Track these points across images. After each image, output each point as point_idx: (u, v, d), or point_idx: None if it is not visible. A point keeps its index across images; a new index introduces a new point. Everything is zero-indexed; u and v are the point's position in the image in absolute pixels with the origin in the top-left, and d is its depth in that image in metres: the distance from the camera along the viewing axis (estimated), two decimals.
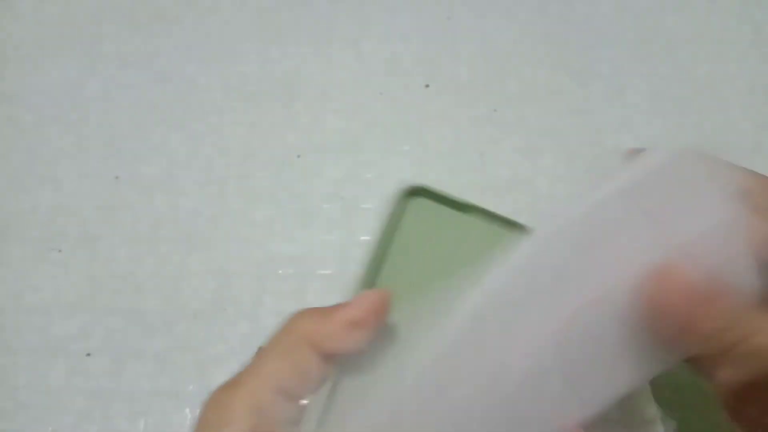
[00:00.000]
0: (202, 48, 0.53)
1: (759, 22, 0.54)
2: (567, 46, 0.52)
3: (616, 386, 0.19)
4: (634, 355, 0.19)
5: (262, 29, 0.54)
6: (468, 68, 0.51)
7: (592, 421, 0.19)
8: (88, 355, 0.41)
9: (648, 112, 0.50)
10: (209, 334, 0.42)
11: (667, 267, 0.19)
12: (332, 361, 0.21)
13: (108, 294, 0.43)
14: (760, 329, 0.18)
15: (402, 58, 0.51)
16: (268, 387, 0.21)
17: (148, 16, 0.55)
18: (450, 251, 0.25)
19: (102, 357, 0.41)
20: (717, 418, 0.19)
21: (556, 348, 0.19)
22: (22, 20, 0.55)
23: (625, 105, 0.50)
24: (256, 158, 0.48)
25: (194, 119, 0.50)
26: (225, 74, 0.52)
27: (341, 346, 0.21)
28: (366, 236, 0.44)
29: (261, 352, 0.21)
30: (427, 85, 0.50)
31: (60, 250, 0.45)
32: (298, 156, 0.48)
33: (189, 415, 0.39)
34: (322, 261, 0.44)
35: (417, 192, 0.26)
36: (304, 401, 0.21)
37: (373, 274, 0.25)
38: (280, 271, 0.44)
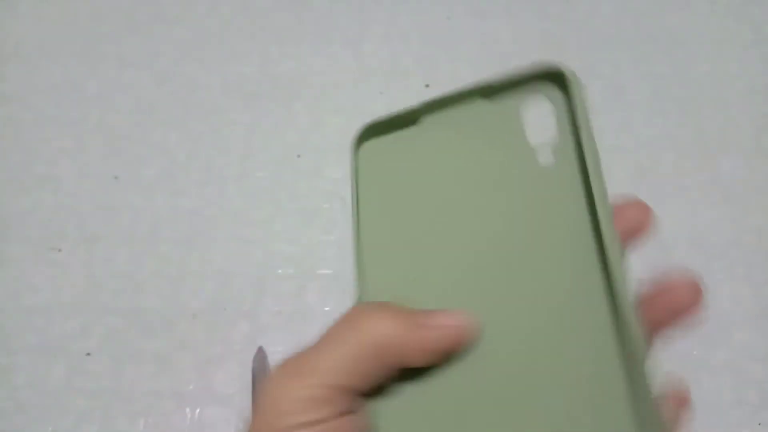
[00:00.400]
0: (202, 48, 0.53)
1: (759, 22, 0.54)
2: (567, 46, 0.52)
3: None
4: None
5: (262, 29, 0.54)
6: (468, 68, 0.51)
7: None
8: (88, 355, 0.41)
9: (648, 112, 0.50)
10: (209, 334, 0.42)
11: None
12: (401, 369, 0.20)
13: (108, 294, 0.43)
14: None
15: (402, 58, 0.51)
16: (327, 383, 0.20)
17: (148, 16, 0.55)
18: (424, 179, 0.21)
19: (102, 357, 0.41)
20: None
21: None
22: (22, 20, 0.55)
23: (625, 105, 0.50)
24: (256, 158, 0.48)
25: (194, 119, 0.50)
26: (225, 74, 0.52)
27: (426, 362, 0.19)
28: None
29: (324, 339, 0.20)
30: (427, 85, 0.50)
31: (60, 250, 0.45)
32: (298, 156, 0.48)
33: (189, 415, 0.39)
34: (322, 261, 0.44)
35: (364, 136, 0.22)
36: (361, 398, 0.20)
37: (358, 243, 0.21)
38: (280, 271, 0.44)
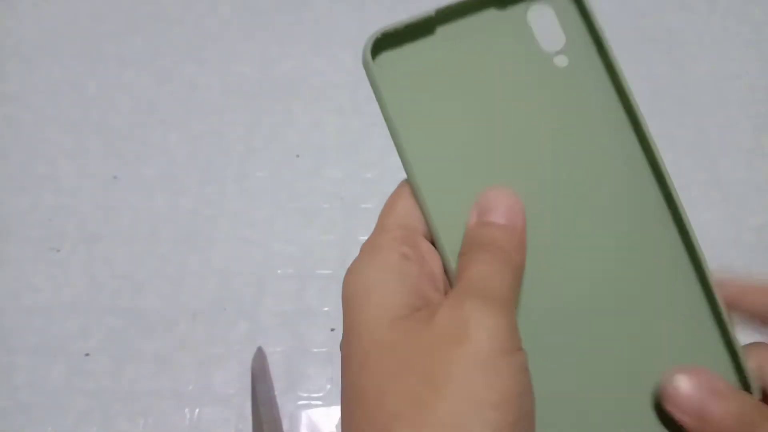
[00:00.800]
0: (202, 48, 0.53)
1: (759, 22, 0.54)
2: None
3: None
4: None
5: (262, 29, 0.54)
6: None
7: None
8: (88, 355, 0.41)
9: (648, 112, 0.50)
10: (209, 334, 0.41)
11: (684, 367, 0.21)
12: None
13: (108, 294, 0.43)
14: None
15: None
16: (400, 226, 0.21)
17: (148, 16, 0.55)
18: (451, 89, 0.21)
19: (102, 357, 0.41)
20: None
21: None
22: (22, 20, 0.55)
23: None
24: (256, 158, 0.48)
25: (194, 119, 0.50)
26: (225, 74, 0.52)
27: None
28: (366, 236, 0.44)
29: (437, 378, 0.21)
30: None
31: (59, 250, 0.45)
32: (298, 156, 0.48)
33: (188, 415, 0.39)
34: (322, 261, 0.44)
35: (377, 47, 0.21)
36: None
37: (408, 160, 0.21)
38: (280, 271, 0.44)
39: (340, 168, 0.47)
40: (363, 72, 0.22)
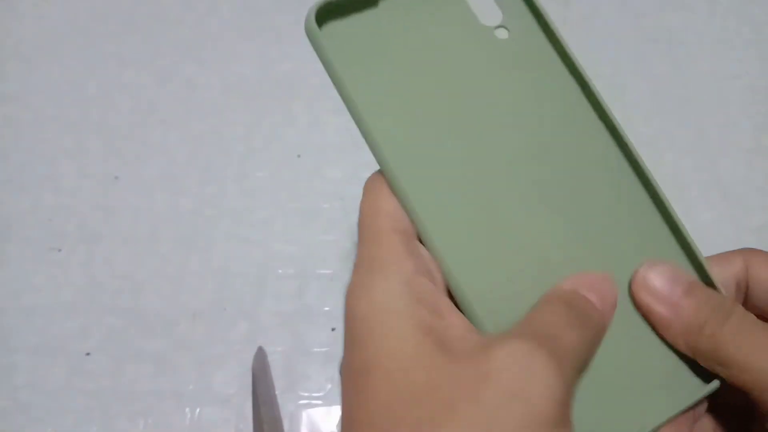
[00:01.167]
0: (202, 48, 0.53)
1: (759, 22, 0.54)
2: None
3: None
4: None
5: (262, 29, 0.54)
6: None
7: None
8: (88, 355, 0.41)
9: (648, 112, 0.50)
10: (209, 334, 0.42)
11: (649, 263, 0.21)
12: None
13: (108, 294, 0.43)
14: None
15: None
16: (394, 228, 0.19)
17: (148, 16, 0.55)
18: (402, 62, 0.21)
19: (102, 357, 0.41)
20: None
21: None
22: (22, 20, 0.55)
23: (625, 105, 0.50)
24: (256, 158, 0.48)
25: (194, 119, 0.50)
26: (225, 74, 0.52)
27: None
28: None
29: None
30: None
31: (60, 250, 0.45)
32: (298, 156, 0.48)
33: (188, 415, 0.39)
34: (322, 261, 0.44)
35: (320, 17, 0.21)
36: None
37: (365, 128, 0.21)
38: (280, 271, 0.44)
39: (340, 168, 0.47)
40: None
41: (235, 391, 0.40)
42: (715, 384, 0.20)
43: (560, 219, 0.21)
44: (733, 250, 0.23)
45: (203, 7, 0.55)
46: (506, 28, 0.23)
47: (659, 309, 0.20)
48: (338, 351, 0.41)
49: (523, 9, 0.23)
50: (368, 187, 0.21)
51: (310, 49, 0.21)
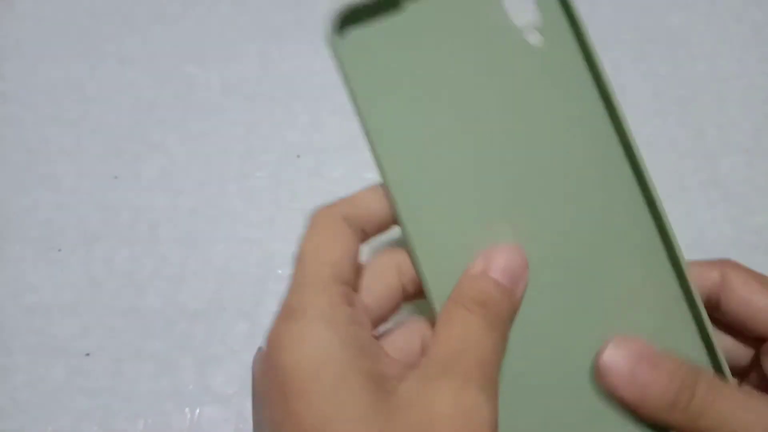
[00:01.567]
0: (202, 48, 0.53)
1: (759, 22, 0.54)
2: None
3: None
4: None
5: (262, 29, 0.54)
6: None
7: None
8: (88, 355, 0.41)
9: (648, 112, 0.50)
10: (209, 334, 0.41)
11: (618, 338, 0.20)
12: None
13: (108, 294, 0.43)
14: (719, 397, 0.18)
15: None
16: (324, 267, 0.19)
17: (148, 16, 0.55)
18: (424, 70, 0.20)
19: (102, 357, 0.41)
20: None
21: None
22: (22, 20, 0.55)
23: (625, 105, 0.50)
24: (256, 158, 0.48)
25: (194, 119, 0.50)
26: (225, 74, 0.52)
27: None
28: None
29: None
30: None
31: (60, 250, 0.45)
32: (298, 156, 0.48)
33: (188, 415, 0.39)
34: None
35: (345, 22, 0.20)
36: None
37: (377, 152, 0.20)
38: (280, 271, 0.44)
39: (340, 168, 0.47)
40: None
41: (235, 391, 0.40)
42: None
43: (549, 236, 0.20)
44: (712, 261, 0.22)
45: (203, 7, 0.55)
46: (541, 32, 0.21)
47: (627, 393, 0.19)
48: None
49: (561, 14, 0.21)
50: (315, 224, 0.20)
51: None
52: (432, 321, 0.20)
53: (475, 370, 0.17)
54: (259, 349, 0.41)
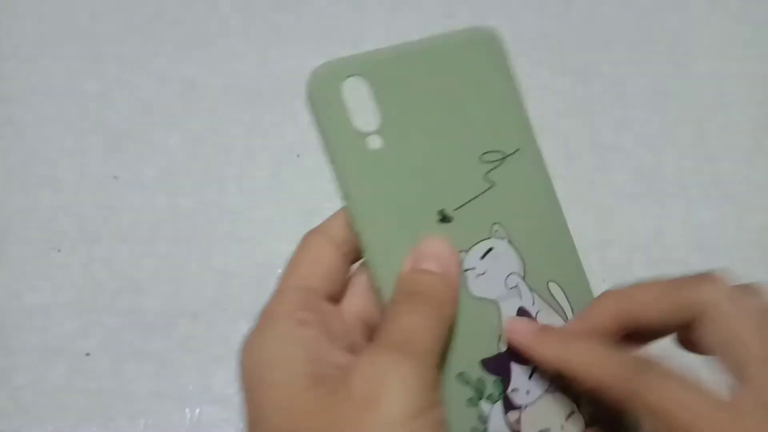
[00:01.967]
0: (202, 48, 0.53)
1: (759, 22, 0.54)
2: (567, 45, 0.52)
3: None
4: None
5: (262, 29, 0.54)
6: None
7: None
8: (88, 355, 0.41)
9: (648, 112, 0.50)
10: (209, 334, 0.42)
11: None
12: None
13: (108, 294, 0.43)
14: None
15: None
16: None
17: (148, 16, 0.55)
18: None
19: (102, 357, 0.41)
20: None
21: None
22: (22, 20, 0.55)
23: (625, 105, 0.50)
24: (256, 158, 0.48)
25: (194, 119, 0.50)
26: (225, 74, 0.52)
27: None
28: None
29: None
30: None
31: (60, 250, 0.45)
32: (298, 156, 0.48)
33: (189, 414, 0.39)
34: None
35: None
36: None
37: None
38: (280, 271, 0.43)
39: None
40: None
41: (235, 391, 0.40)
42: None
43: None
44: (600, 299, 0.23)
45: (203, 7, 0.55)
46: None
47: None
48: None
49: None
50: (299, 245, 0.23)
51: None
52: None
53: (420, 352, 0.18)
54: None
